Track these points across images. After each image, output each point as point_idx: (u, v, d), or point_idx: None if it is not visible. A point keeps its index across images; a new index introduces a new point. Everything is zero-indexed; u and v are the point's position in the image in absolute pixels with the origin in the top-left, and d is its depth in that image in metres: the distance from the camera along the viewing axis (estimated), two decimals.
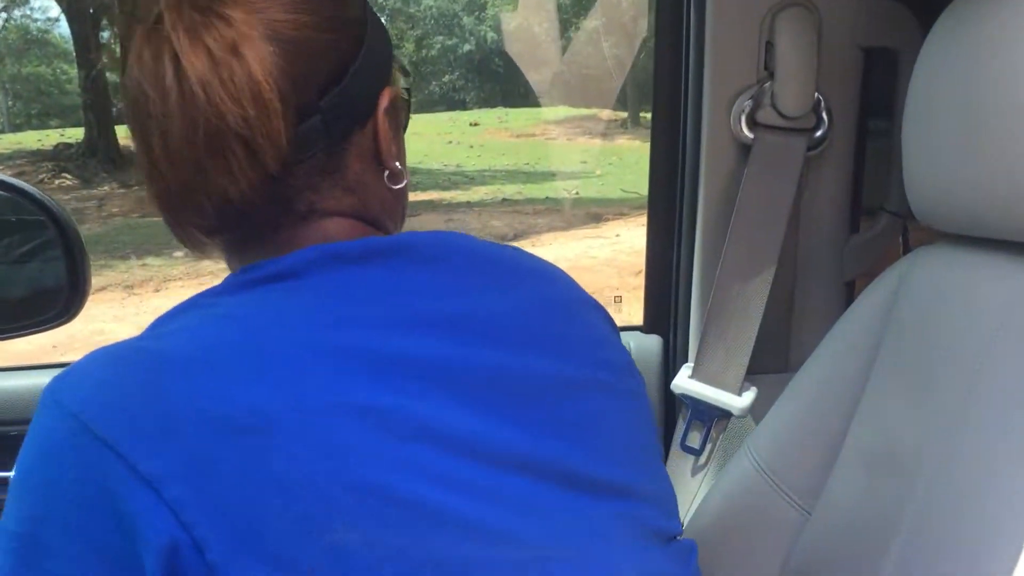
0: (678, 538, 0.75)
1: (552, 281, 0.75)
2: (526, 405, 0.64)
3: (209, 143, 0.62)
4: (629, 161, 10.50)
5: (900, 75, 1.18)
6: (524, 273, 0.73)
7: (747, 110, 1.19)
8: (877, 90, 1.23)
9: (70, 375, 0.58)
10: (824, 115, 1.19)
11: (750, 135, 1.19)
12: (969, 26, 0.83)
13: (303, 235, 0.68)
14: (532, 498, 0.62)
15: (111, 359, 0.58)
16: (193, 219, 0.66)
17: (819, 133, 1.20)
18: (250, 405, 0.54)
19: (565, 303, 0.74)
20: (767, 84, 1.17)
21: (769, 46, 1.16)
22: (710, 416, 1.22)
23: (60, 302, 1.26)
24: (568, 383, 0.68)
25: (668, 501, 0.76)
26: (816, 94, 1.17)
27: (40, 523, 0.54)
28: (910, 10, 1.16)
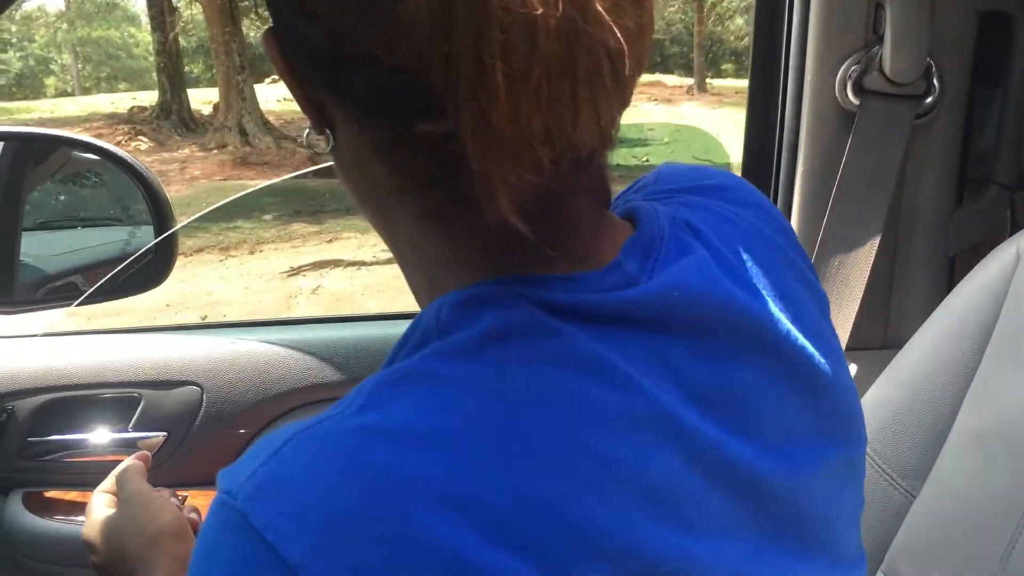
0: None
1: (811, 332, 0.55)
2: (782, 519, 0.51)
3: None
4: (696, 129, 10.35)
5: (1016, 41, 1.12)
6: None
7: (854, 76, 1.14)
8: (987, 56, 1.18)
9: (276, 488, 0.40)
10: (935, 81, 1.14)
11: (856, 101, 1.14)
12: None
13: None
14: None
15: (338, 474, 0.40)
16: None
17: (928, 100, 1.15)
18: None
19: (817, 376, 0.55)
20: (875, 48, 1.12)
21: (879, 8, 1.11)
22: None
23: (148, 267, 1.27)
24: (816, 478, 0.54)
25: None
26: (928, 59, 1.12)
27: None
28: None
